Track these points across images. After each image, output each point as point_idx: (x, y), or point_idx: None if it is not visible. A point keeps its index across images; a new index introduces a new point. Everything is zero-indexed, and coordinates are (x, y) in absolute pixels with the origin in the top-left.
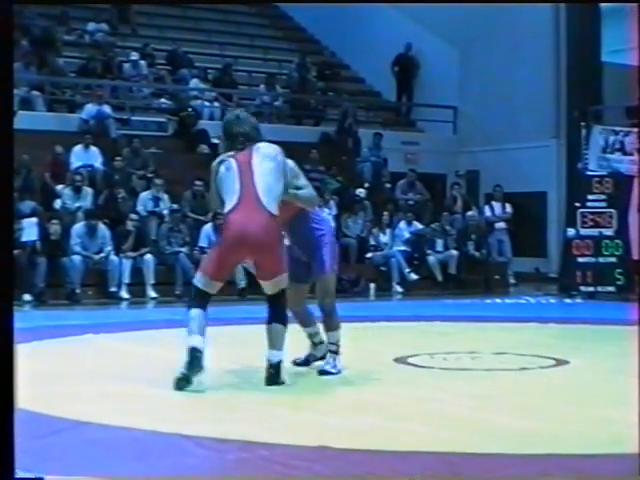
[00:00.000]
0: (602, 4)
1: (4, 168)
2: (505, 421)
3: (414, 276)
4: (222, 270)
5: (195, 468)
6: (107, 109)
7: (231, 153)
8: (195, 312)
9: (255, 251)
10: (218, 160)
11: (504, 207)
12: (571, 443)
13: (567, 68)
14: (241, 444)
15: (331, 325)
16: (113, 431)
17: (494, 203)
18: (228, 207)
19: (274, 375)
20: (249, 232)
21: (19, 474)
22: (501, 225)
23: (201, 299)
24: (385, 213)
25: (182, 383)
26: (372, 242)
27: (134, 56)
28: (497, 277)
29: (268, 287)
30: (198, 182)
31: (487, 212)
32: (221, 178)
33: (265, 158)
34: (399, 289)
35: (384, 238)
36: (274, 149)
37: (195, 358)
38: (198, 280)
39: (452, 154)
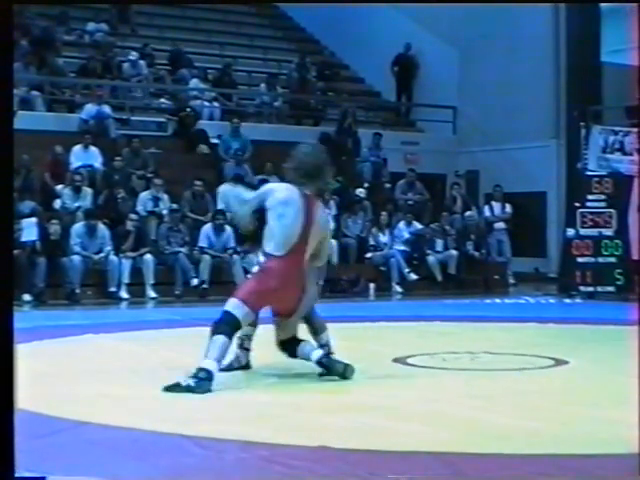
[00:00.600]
0: (602, 4)
1: (4, 168)
2: (505, 421)
3: (414, 276)
4: (262, 303)
5: (195, 468)
6: (107, 109)
7: (296, 188)
8: (223, 341)
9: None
10: (281, 187)
11: (504, 207)
12: (571, 443)
13: (567, 68)
14: (241, 444)
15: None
16: (113, 431)
17: (494, 203)
18: (280, 249)
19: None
20: (290, 292)
21: (22, 474)
22: (500, 225)
23: (234, 329)
24: (383, 213)
25: (175, 389)
26: (372, 242)
27: (133, 56)
28: (496, 277)
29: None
30: (198, 182)
31: (487, 212)
32: (274, 207)
33: (322, 221)
34: (399, 289)
35: (383, 238)
36: (327, 216)
37: (206, 382)
38: (237, 309)
39: (452, 154)
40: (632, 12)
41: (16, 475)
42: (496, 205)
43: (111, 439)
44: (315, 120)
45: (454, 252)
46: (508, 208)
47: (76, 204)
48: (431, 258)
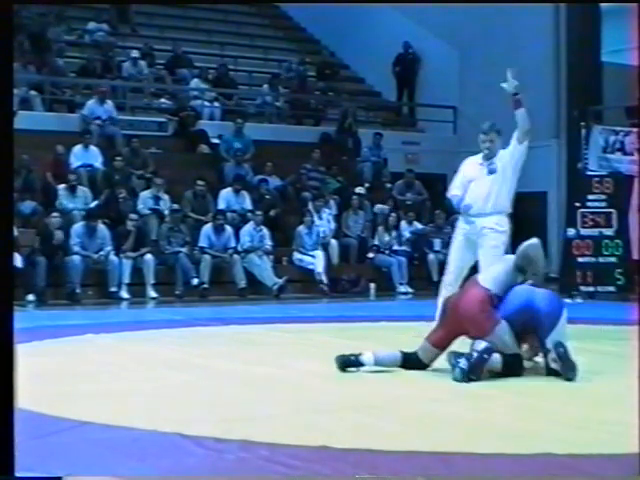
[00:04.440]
0: (602, 4)
1: (4, 168)
2: (504, 421)
3: (409, 289)
4: None
5: (195, 468)
6: (110, 107)
7: None
8: None
9: None
10: None
11: None
12: (570, 443)
13: (567, 68)
14: (241, 444)
15: None
16: (113, 431)
17: None
18: None
19: None
20: None
21: (22, 474)
22: None
23: None
24: (393, 214)
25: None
26: (375, 242)
27: (134, 55)
28: None
29: None
30: (200, 182)
31: None
32: None
33: None
34: (402, 289)
35: (387, 238)
36: None
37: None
38: None
39: (452, 154)
40: (632, 12)
41: (24, 475)
42: None
43: (111, 439)
44: (315, 120)
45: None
46: None
47: (72, 204)
48: (431, 257)
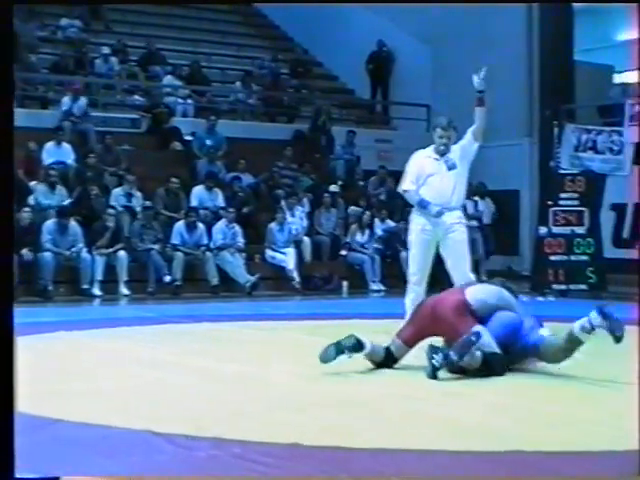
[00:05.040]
0: (575, 4)
1: (4, 168)
2: (477, 419)
3: (381, 286)
4: None
5: (166, 465)
6: (84, 103)
7: None
8: None
9: None
10: None
11: (476, 205)
12: (541, 441)
13: (540, 67)
14: (213, 441)
15: None
16: (84, 428)
17: (467, 201)
18: None
19: None
20: None
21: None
22: (473, 223)
23: None
24: (367, 213)
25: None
26: (348, 240)
27: (105, 52)
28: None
29: None
30: (174, 179)
31: None
32: None
33: None
34: (375, 287)
35: (361, 238)
36: None
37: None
38: None
39: None
40: (606, 12)
41: (23, 476)
42: (469, 203)
43: (82, 436)
44: (289, 117)
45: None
46: (481, 206)
47: (48, 201)
48: (404, 254)
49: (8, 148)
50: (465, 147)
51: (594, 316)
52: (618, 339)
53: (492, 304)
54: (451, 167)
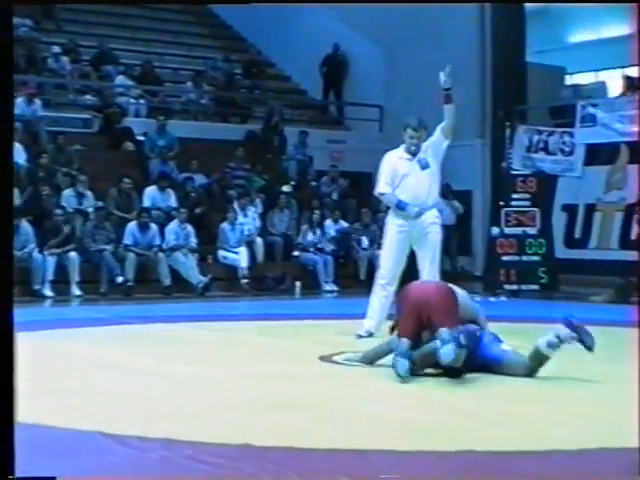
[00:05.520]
0: (527, 4)
1: (4, 169)
2: (427, 418)
3: (334, 287)
4: None
5: (118, 467)
6: (38, 106)
7: None
8: None
9: None
10: None
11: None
12: (492, 440)
13: (492, 68)
14: (164, 442)
15: None
16: (35, 430)
17: None
18: None
19: None
20: None
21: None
22: None
23: None
24: (316, 212)
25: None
26: (299, 240)
27: (55, 51)
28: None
29: None
30: (126, 180)
31: None
32: None
33: None
34: (327, 287)
35: (312, 237)
36: None
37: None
38: None
39: (378, 152)
40: (557, 14)
41: (22, 476)
42: None
43: (32, 438)
44: (241, 118)
45: (379, 251)
46: (443, 207)
47: None
48: (358, 255)
49: (8, 148)
50: (435, 145)
51: (562, 330)
52: (590, 349)
53: (470, 311)
54: (424, 166)
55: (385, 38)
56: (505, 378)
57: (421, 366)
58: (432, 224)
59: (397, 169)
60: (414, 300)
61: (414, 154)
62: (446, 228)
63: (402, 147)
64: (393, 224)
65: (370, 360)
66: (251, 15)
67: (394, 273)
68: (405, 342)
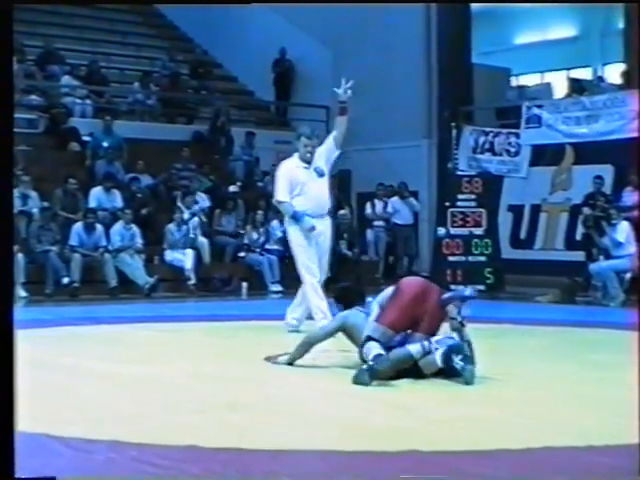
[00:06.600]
0: (473, 5)
1: (4, 168)
2: (375, 419)
3: (279, 287)
4: None
5: (64, 469)
6: None
7: None
8: None
9: None
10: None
11: (385, 206)
12: (438, 440)
13: (438, 69)
14: (110, 444)
15: None
16: None
17: (376, 201)
18: None
19: None
20: None
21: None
22: (380, 223)
23: None
24: (259, 212)
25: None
26: (245, 241)
27: None
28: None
29: None
30: (72, 180)
31: (368, 209)
32: None
33: None
34: (273, 288)
35: (256, 236)
36: None
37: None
38: None
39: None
40: (504, 15)
41: (22, 476)
42: (378, 203)
43: None
44: (188, 118)
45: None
46: (390, 208)
47: None
48: None
49: (8, 148)
50: (328, 153)
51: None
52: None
53: None
54: (321, 174)
55: (333, 39)
56: (451, 381)
57: (389, 371)
58: (328, 231)
59: (296, 177)
60: (415, 297)
61: (309, 162)
62: (404, 228)
63: (296, 156)
64: (296, 230)
65: (315, 341)
66: (198, 15)
67: (315, 266)
68: (390, 334)
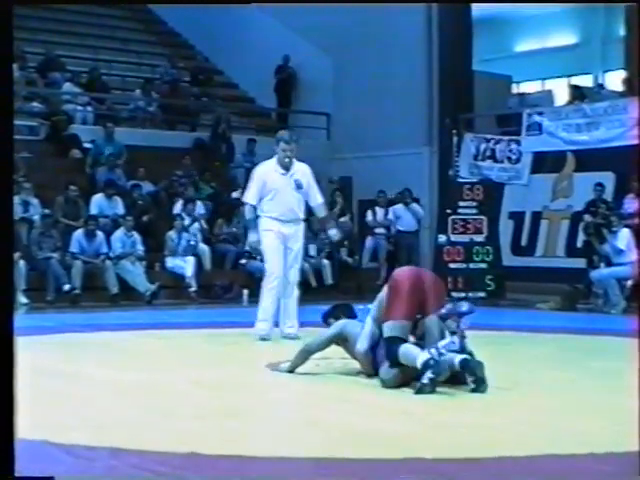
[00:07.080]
0: (474, 12)
1: (4, 169)
2: (376, 426)
3: None
4: None
5: (64, 476)
6: None
7: None
8: None
9: None
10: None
11: (386, 213)
12: (436, 447)
13: (439, 76)
14: (111, 451)
15: None
16: None
17: (377, 209)
18: None
19: None
20: None
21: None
22: (381, 230)
23: None
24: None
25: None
26: (246, 248)
27: None
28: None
29: None
30: (72, 187)
31: (369, 217)
32: None
33: None
34: None
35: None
36: None
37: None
38: None
39: (325, 160)
40: (504, 22)
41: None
42: (379, 211)
43: None
44: (189, 125)
45: (326, 261)
46: (391, 215)
47: None
48: (306, 265)
49: (8, 150)
50: (312, 190)
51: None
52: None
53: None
54: (299, 187)
55: (334, 46)
56: (453, 388)
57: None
58: (298, 236)
59: (271, 181)
60: (413, 283)
61: (287, 168)
62: (407, 235)
63: (274, 159)
64: (271, 229)
65: (314, 349)
66: (199, 22)
67: (280, 270)
68: (407, 325)
